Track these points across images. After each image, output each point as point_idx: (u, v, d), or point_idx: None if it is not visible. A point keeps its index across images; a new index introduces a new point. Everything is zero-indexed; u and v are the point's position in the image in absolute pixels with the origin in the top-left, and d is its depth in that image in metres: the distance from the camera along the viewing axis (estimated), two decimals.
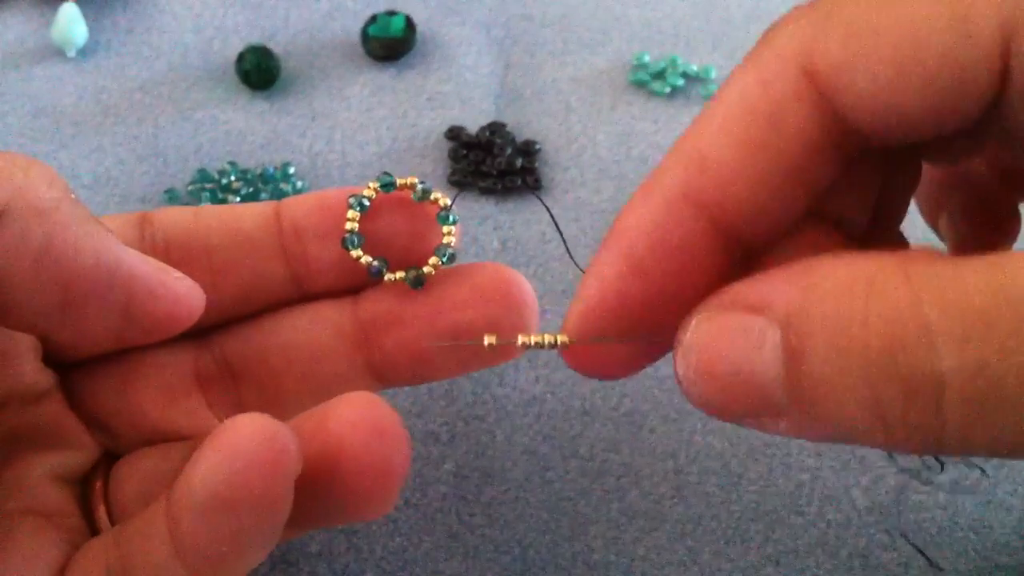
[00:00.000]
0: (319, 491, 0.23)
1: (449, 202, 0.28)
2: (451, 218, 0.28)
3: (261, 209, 0.29)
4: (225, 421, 0.22)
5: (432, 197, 0.28)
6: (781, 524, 0.33)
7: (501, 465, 0.34)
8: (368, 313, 0.28)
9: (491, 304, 0.27)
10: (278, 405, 0.28)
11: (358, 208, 0.28)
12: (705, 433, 0.35)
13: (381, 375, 0.29)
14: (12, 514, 0.25)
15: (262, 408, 0.28)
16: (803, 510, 0.33)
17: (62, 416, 0.27)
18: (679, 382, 0.21)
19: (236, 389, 0.29)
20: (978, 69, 0.20)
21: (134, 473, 0.27)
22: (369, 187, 0.28)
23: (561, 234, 0.39)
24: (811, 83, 0.21)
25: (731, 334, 0.20)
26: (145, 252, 0.28)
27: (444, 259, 0.28)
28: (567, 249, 0.36)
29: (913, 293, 0.18)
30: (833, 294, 0.19)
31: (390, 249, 0.28)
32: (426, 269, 0.28)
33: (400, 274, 0.28)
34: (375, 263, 0.28)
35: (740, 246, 0.23)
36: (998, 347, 0.17)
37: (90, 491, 0.27)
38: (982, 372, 0.17)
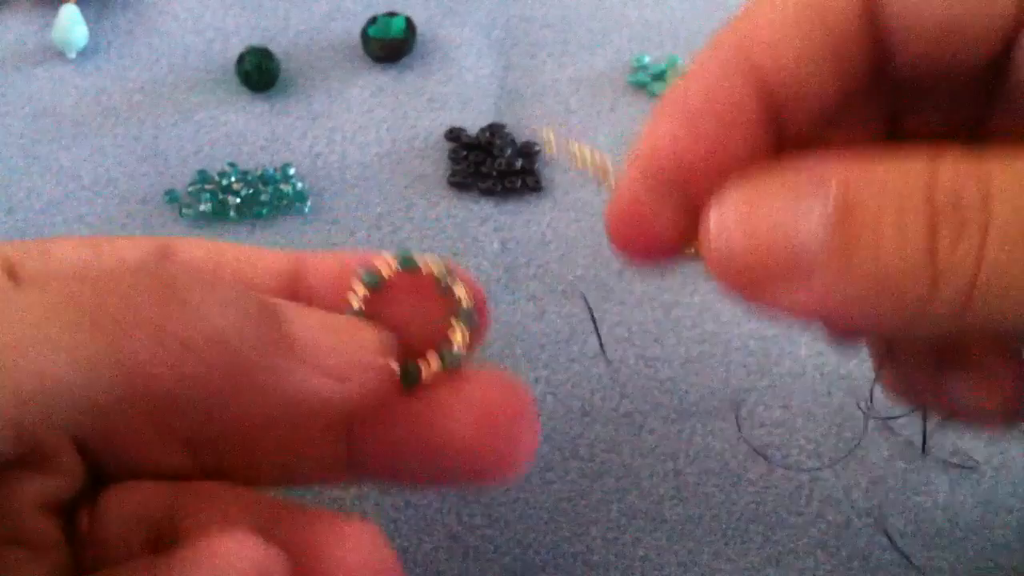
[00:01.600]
0: None
1: (473, 302, 0.25)
2: (472, 318, 0.25)
3: (282, 263, 0.27)
4: (219, 538, 0.21)
5: (458, 294, 0.25)
6: (781, 525, 0.33)
7: None
8: None
9: (486, 423, 0.25)
10: (252, 464, 0.27)
11: (370, 286, 0.25)
12: (705, 434, 0.35)
13: (354, 466, 0.27)
14: (2, 546, 0.24)
15: (238, 463, 0.27)
16: (803, 511, 0.33)
17: (55, 436, 0.26)
18: (704, 236, 0.21)
19: (218, 437, 0.27)
20: None
21: (115, 510, 0.26)
22: (388, 262, 0.25)
23: (596, 329, 0.37)
24: None
25: (781, 189, 0.20)
26: None
27: (447, 363, 0.25)
28: (600, 344, 0.34)
29: (975, 156, 0.19)
30: (896, 159, 0.20)
31: (397, 334, 0.25)
32: (424, 372, 0.25)
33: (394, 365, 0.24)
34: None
35: (782, 121, 0.23)
36: None
37: (75, 523, 0.26)
38: (1019, 219, 0.18)
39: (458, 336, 0.25)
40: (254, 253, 0.27)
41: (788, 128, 0.24)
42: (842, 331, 0.26)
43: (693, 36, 0.47)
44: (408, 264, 0.25)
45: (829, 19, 0.23)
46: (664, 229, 0.23)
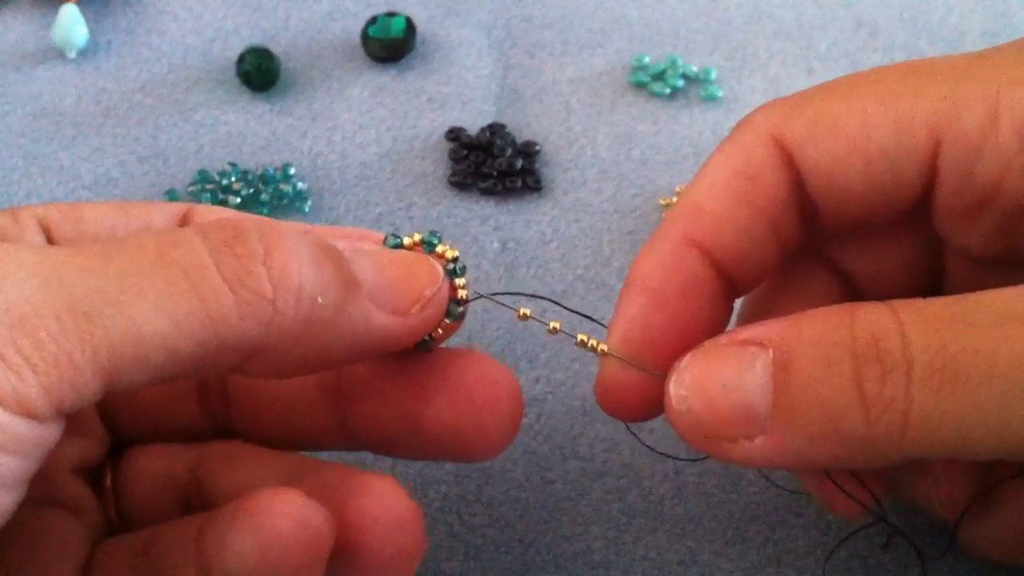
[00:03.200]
0: (333, 571, 0.23)
1: (456, 253, 0.26)
2: (457, 269, 0.26)
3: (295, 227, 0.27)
4: (262, 494, 0.22)
5: (439, 250, 0.26)
6: (781, 525, 0.33)
7: (502, 465, 0.34)
8: (350, 374, 0.27)
9: (464, 404, 0.26)
10: (258, 433, 0.28)
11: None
12: None
13: (350, 437, 0.28)
14: (39, 504, 0.25)
15: (246, 429, 0.28)
16: (803, 511, 0.33)
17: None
18: (668, 404, 0.24)
19: (228, 405, 0.28)
20: (908, 160, 0.25)
21: (142, 472, 0.27)
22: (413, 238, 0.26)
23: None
24: (780, 152, 0.26)
25: (725, 358, 0.23)
26: None
27: (452, 317, 0.25)
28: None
29: (890, 308, 0.22)
30: (821, 317, 0.23)
31: None
32: (435, 333, 0.25)
33: None
34: None
35: (734, 284, 0.27)
36: (955, 334, 0.21)
37: (100, 484, 0.27)
38: (942, 352, 0.21)
39: (460, 291, 0.26)
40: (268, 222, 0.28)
41: (739, 288, 0.27)
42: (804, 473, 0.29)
43: (693, 36, 0.47)
44: (395, 247, 0.26)
45: (762, 196, 0.26)
46: (644, 396, 0.26)
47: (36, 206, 0.26)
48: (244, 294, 0.21)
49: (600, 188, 0.42)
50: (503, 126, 0.43)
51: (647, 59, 0.46)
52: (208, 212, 0.28)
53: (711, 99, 0.45)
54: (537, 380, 0.36)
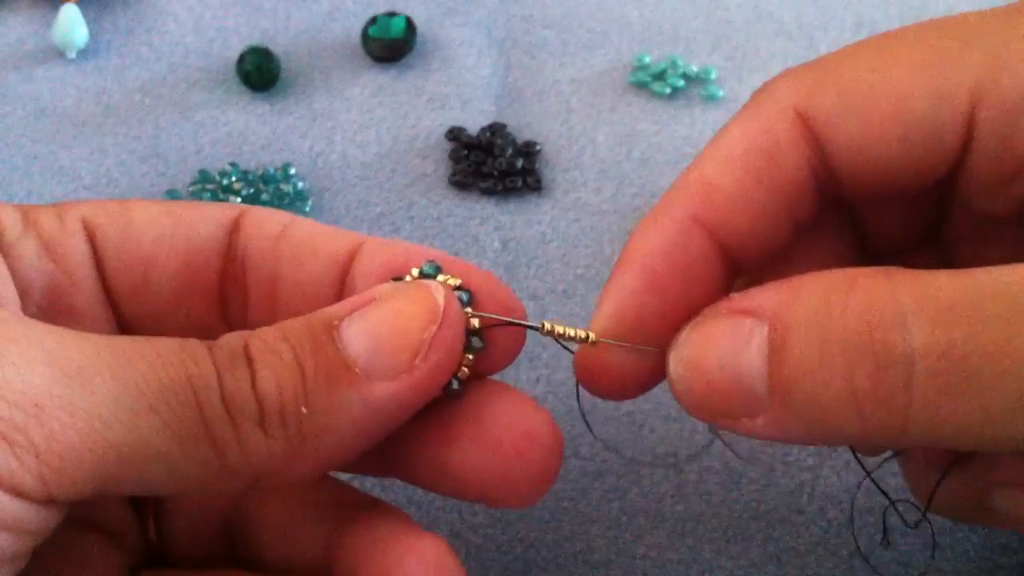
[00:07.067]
0: None
1: (458, 281, 0.24)
2: (463, 298, 0.24)
3: (341, 249, 0.26)
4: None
5: (439, 279, 0.24)
6: (782, 523, 0.33)
7: None
8: None
9: (503, 458, 0.24)
10: None
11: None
12: (705, 432, 0.35)
13: (383, 467, 0.27)
14: (81, 530, 0.25)
15: None
16: (803, 509, 0.33)
17: None
18: (670, 381, 0.23)
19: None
20: (947, 130, 0.23)
21: (183, 498, 0.27)
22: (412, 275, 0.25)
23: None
24: (806, 127, 0.24)
25: (721, 333, 0.22)
26: (225, 268, 0.26)
27: (448, 395, 0.24)
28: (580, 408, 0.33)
29: (891, 285, 0.20)
30: (818, 290, 0.21)
31: None
32: (460, 374, 0.24)
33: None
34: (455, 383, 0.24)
35: (738, 264, 0.25)
36: (965, 330, 0.19)
37: (143, 507, 0.27)
38: (950, 351, 0.19)
39: (463, 368, 0.24)
40: (319, 236, 0.26)
41: (742, 267, 0.26)
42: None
43: (693, 36, 0.47)
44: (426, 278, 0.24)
45: (780, 177, 0.24)
46: (629, 375, 0.25)
47: (84, 203, 0.26)
48: (239, 426, 0.21)
49: (600, 188, 0.42)
50: (503, 126, 0.43)
51: (647, 59, 0.46)
52: (259, 214, 0.26)
53: (711, 99, 0.45)
54: (537, 380, 0.36)
